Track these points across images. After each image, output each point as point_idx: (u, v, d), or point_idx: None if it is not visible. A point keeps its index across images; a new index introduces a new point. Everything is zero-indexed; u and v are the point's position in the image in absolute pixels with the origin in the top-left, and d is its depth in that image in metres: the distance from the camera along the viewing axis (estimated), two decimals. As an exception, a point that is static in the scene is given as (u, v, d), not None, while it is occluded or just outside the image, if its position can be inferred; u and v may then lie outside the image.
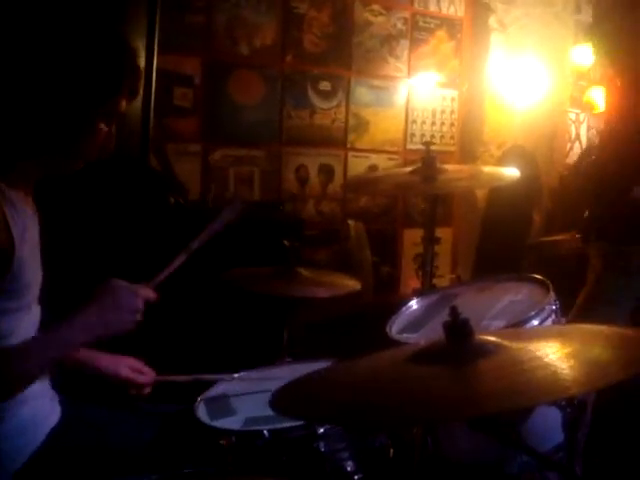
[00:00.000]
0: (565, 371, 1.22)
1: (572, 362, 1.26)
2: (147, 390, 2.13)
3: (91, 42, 1.74)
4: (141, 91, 3.23)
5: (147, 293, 1.85)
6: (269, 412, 1.45)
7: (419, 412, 1.22)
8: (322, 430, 1.80)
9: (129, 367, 2.11)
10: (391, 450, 1.96)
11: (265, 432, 1.80)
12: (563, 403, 1.70)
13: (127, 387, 2.11)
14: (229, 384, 2.19)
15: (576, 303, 3.15)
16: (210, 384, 2.17)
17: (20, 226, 1.73)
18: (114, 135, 1.81)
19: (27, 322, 1.81)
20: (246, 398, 2.07)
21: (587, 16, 5.38)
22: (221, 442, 1.84)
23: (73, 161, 1.81)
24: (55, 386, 2.00)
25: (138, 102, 3.29)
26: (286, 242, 2.51)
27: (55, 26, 1.75)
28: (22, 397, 1.77)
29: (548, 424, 1.79)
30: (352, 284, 2.62)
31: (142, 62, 3.28)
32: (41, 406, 1.90)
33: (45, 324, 1.89)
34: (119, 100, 1.77)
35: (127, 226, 3.08)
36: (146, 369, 2.14)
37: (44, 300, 1.91)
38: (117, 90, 1.75)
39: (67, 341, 1.75)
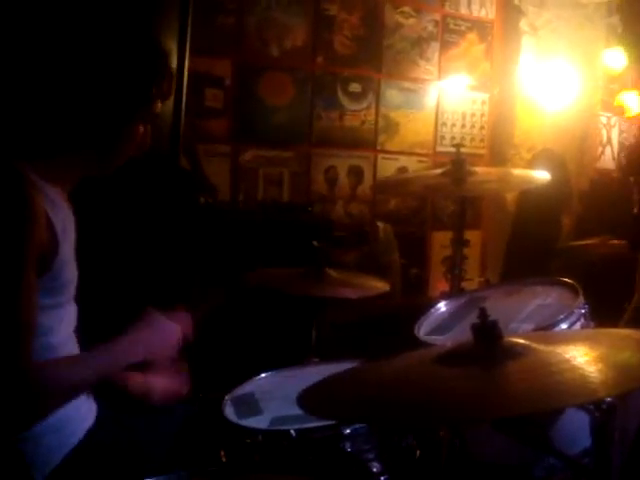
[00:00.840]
0: (593, 374, 1.22)
1: (600, 365, 1.26)
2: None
3: (131, 45, 1.80)
4: (173, 92, 3.29)
5: (186, 330, 1.95)
6: (296, 412, 1.46)
7: (447, 413, 1.22)
8: (348, 430, 1.80)
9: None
10: (417, 451, 1.95)
11: (292, 432, 1.80)
12: (591, 407, 1.69)
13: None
14: (256, 383, 2.21)
15: (628, 308, 3.12)
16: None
17: (60, 224, 1.75)
18: (149, 134, 1.85)
19: (65, 319, 1.84)
20: (273, 398, 2.08)
21: (619, 19, 5.35)
22: (248, 441, 1.85)
23: (111, 160, 1.86)
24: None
25: (169, 103, 3.31)
26: (315, 243, 2.52)
27: (97, 30, 1.81)
28: None
29: (576, 428, 1.77)
30: (381, 285, 2.62)
31: (174, 64, 3.31)
32: (79, 404, 1.92)
33: (80, 322, 1.93)
34: (156, 101, 1.82)
35: (158, 226, 3.10)
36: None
37: (79, 299, 1.94)
38: (155, 91, 1.80)
39: (113, 361, 1.79)
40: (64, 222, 1.79)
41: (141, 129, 1.82)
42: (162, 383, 2.11)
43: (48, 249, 1.70)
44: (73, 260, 1.86)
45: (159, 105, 1.84)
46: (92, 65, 1.75)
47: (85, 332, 2.02)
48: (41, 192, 1.71)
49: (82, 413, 1.91)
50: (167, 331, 1.91)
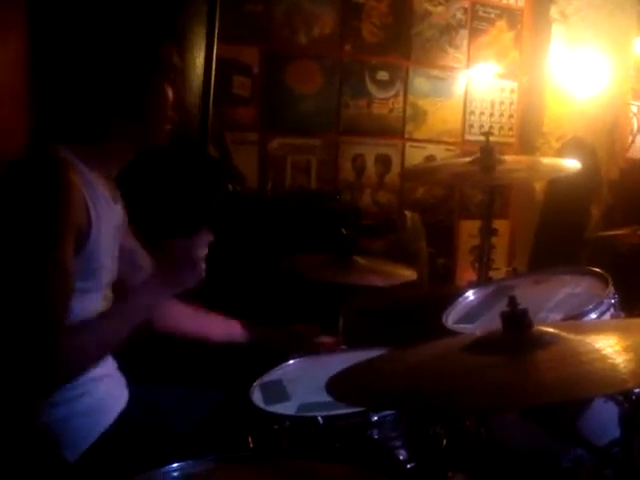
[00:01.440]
0: (623, 364, 1.22)
1: (631, 355, 1.25)
2: None
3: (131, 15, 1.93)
4: (201, 80, 3.30)
5: (203, 239, 1.90)
6: (323, 398, 1.47)
7: (476, 401, 1.22)
8: (376, 418, 1.80)
9: None
10: (444, 439, 1.95)
11: (319, 418, 1.81)
12: (620, 398, 1.69)
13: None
14: (284, 370, 2.22)
15: None
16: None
17: (98, 209, 1.78)
18: (179, 102, 1.94)
19: (98, 305, 1.86)
20: (301, 384, 2.09)
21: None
22: (275, 427, 1.86)
23: (150, 128, 1.90)
24: (122, 368, 2.05)
25: (198, 91, 3.33)
26: (343, 230, 2.52)
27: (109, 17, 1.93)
28: (97, 376, 1.82)
29: (605, 419, 1.77)
30: (408, 274, 2.62)
31: (202, 52, 3.32)
32: (113, 386, 1.95)
33: None
34: (168, 51, 1.90)
35: (186, 214, 3.11)
36: None
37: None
38: (163, 52, 1.89)
39: (139, 306, 1.79)
40: (103, 209, 1.81)
41: (168, 90, 1.88)
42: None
43: (83, 231, 1.73)
44: (110, 247, 1.88)
45: (175, 57, 1.92)
46: (108, 41, 1.83)
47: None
48: (80, 175, 1.74)
49: (114, 398, 1.94)
50: (186, 252, 1.86)
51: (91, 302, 1.82)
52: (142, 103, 1.85)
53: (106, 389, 1.88)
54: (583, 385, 1.19)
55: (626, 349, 1.28)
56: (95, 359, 1.76)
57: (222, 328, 2.33)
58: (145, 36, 1.88)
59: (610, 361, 1.23)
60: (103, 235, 1.80)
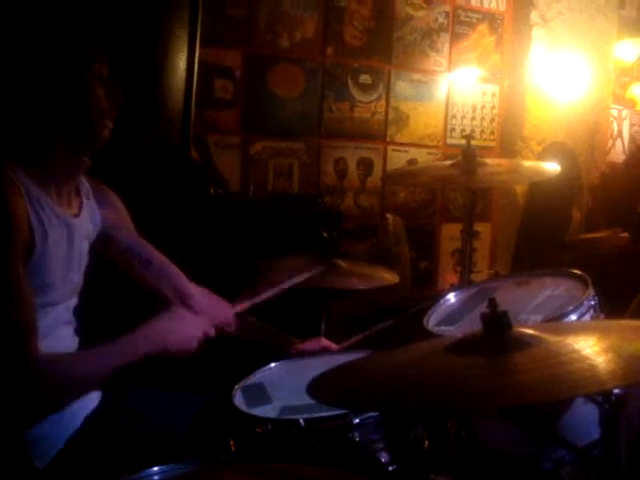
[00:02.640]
0: (602, 365, 1.22)
1: (610, 356, 1.26)
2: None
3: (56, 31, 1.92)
4: (183, 83, 3.29)
5: (208, 329, 1.95)
6: (305, 401, 1.47)
7: (456, 401, 1.22)
8: (357, 420, 1.81)
9: None
10: (426, 442, 1.96)
11: (301, 421, 1.81)
12: (600, 399, 1.69)
13: None
14: (266, 373, 2.21)
15: (634, 302, 3.11)
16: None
17: (45, 226, 1.78)
18: (120, 94, 1.90)
19: (52, 320, 1.84)
20: (283, 387, 2.09)
21: (631, 11, 5.33)
22: (257, 430, 1.86)
23: (89, 133, 1.88)
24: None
25: (180, 94, 3.32)
26: (324, 233, 2.52)
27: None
28: None
29: (585, 420, 1.78)
30: (390, 277, 2.62)
31: (184, 55, 3.31)
32: None
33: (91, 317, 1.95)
34: (92, 54, 1.87)
35: (168, 217, 3.11)
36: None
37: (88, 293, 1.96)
38: (87, 55, 1.86)
39: (128, 352, 1.79)
40: (49, 224, 1.80)
41: (97, 90, 1.86)
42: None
43: (27, 248, 1.72)
44: (63, 262, 1.86)
45: (102, 68, 1.88)
46: (33, 55, 1.82)
47: (95, 326, 2.04)
48: (25, 192, 1.74)
49: (81, 401, 1.92)
50: (188, 324, 1.91)
51: (46, 316, 1.80)
52: (75, 107, 1.84)
53: None
54: (563, 386, 1.19)
55: (605, 350, 1.29)
56: (73, 391, 1.75)
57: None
58: (70, 41, 1.87)
59: (589, 362, 1.24)
60: (52, 251, 1.79)
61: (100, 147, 1.92)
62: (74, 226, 1.90)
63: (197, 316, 1.96)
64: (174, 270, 2.14)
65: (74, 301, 1.95)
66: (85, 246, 1.97)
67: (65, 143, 1.84)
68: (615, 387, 1.47)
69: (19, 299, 1.66)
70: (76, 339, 1.97)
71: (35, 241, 1.74)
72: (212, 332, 1.98)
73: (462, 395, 1.22)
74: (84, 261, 1.96)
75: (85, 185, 2.01)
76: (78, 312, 1.98)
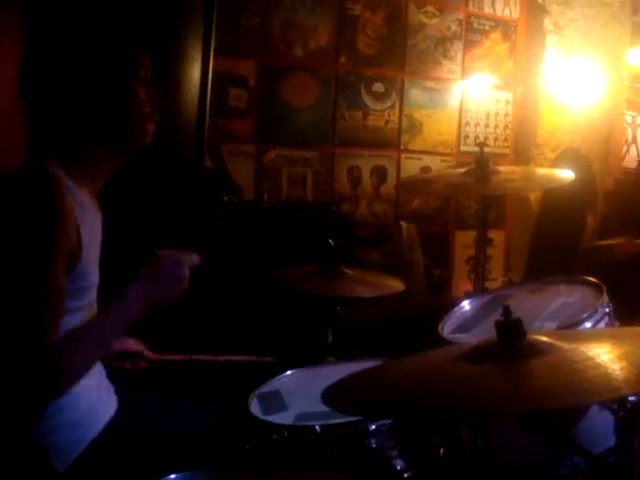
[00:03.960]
0: (617, 372, 1.23)
1: (624, 363, 1.26)
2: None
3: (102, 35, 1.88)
4: (197, 92, 3.31)
5: (192, 259, 1.87)
6: (321, 408, 1.47)
7: (471, 408, 1.23)
8: (373, 427, 1.81)
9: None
10: (441, 449, 1.96)
11: (317, 427, 1.82)
12: (615, 407, 1.70)
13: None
14: (282, 381, 2.22)
15: None
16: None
17: (88, 229, 1.79)
18: (158, 97, 1.91)
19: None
20: (298, 394, 2.10)
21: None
22: (273, 437, 1.87)
23: (130, 134, 1.89)
24: (111, 378, 2.05)
25: (194, 103, 3.34)
26: (331, 241, 2.52)
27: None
28: (79, 390, 1.82)
29: (600, 427, 1.78)
30: (397, 285, 2.61)
31: (199, 64, 3.33)
32: (98, 399, 1.95)
33: None
34: (139, 55, 1.88)
35: (182, 225, 3.12)
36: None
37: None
38: (132, 61, 1.86)
39: (121, 316, 1.77)
40: (91, 227, 1.82)
41: (140, 91, 1.86)
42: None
43: (74, 254, 1.74)
44: (97, 265, 1.88)
45: (146, 72, 1.89)
46: (81, 56, 1.82)
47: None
48: (70, 193, 1.75)
49: (102, 406, 1.94)
50: (171, 265, 1.84)
51: (80, 319, 1.81)
52: (119, 111, 1.84)
53: (88, 403, 1.88)
54: (577, 393, 1.20)
55: (620, 357, 1.29)
56: (79, 368, 1.75)
57: None
58: (115, 45, 1.87)
59: (604, 369, 1.24)
60: (93, 255, 1.81)
61: (141, 150, 1.93)
62: (100, 226, 1.94)
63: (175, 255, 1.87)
64: None
65: (95, 307, 1.96)
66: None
67: (105, 145, 1.86)
68: (629, 394, 1.47)
69: (52, 297, 1.67)
70: None
71: (83, 243, 1.76)
72: (197, 261, 1.91)
73: (476, 402, 1.22)
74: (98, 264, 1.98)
75: None
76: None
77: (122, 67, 1.84)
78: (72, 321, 1.76)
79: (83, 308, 1.84)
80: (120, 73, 1.84)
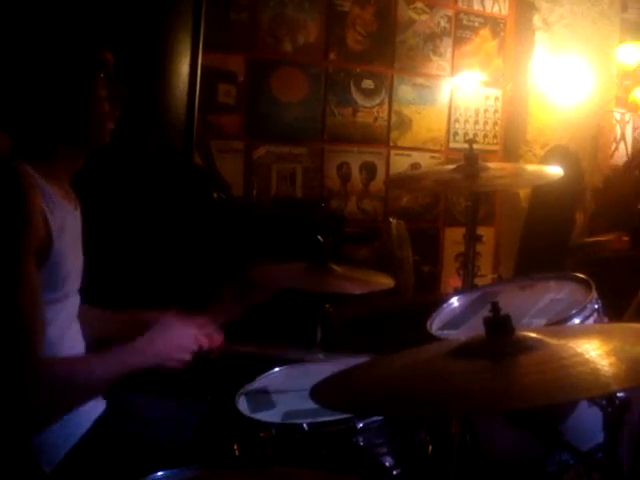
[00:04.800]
0: (605, 368, 1.22)
1: (613, 359, 1.26)
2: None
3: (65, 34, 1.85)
4: (186, 88, 3.30)
5: (202, 340, 1.97)
6: (309, 406, 1.47)
7: (459, 405, 1.22)
8: (361, 425, 1.80)
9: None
10: (430, 446, 1.96)
11: (305, 425, 1.81)
12: (604, 403, 1.69)
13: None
14: (269, 378, 2.21)
15: (632, 303, 3.11)
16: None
17: (58, 221, 1.78)
18: (121, 99, 1.89)
19: (65, 312, 1.87)
20: (286, 392, 2.09)
21: (634, 15, 5.33)
22: (261, 435, 1.86)
23: (88, 136, 1.88)
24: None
25: (183, 99, 3.33)
26: (320, 237, 2.50)
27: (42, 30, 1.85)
28: None
29: (589, 424, 1.78)
30: (386, 281, 2.59)
31: (187, 60, 3.32)
32: None
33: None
34: (97, 58, 1.86)
35: (171, 221, 3.11)
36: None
37: (86, 290, 1.97)
38: (94, 62, 1.84)
39: (124, 363, 1.82)
40: (62, 219, 1.81)
41: (101, 94, 1.84)
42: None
43: (44, 245, 1.73)
44: (76, 253, 1.88)
45: (108, 71, 1.87)
46: (42, 56, 1.80)
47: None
48: (39, 190, 1.74)
49: (90, 404, 1.93)
50: (183, 335, 1.95)
51: (61, 310, 1.83)
52: (78, 113, 1.83)
53: None
54: (566, 389, 1.19)
55: (608, 353, 1.29)
56: (73, 397, 1.76)
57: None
58: (74, 46, 1.84)
59: (592, 365, 1.24)
60: (66, 244, 1.80)
61: (101, 147, 1.92)
62: (77, 218, 1.93)
63: (190, 327, 1.97)
64: None
65: (77, 298, 1.97)
66: (80, 240, 1.98)
67: (67, 143, 1.85)
68: (618, 390, 1.47)
69: (30, 296, 1.66)
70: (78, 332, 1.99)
71: (52, 234, 1.75)
72: (206, 343, 2.00)
73: (465, 399, 1.22)
74: (81, 256, 1.97)
75: None
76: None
77: (83, 68, 1.83)
78: (51, 312, 1.77)
79: (63, 298, 1.84)
80: (79, 75, 1.82)
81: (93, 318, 2.08)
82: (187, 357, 1.93)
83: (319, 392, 1.40)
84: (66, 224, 1.82)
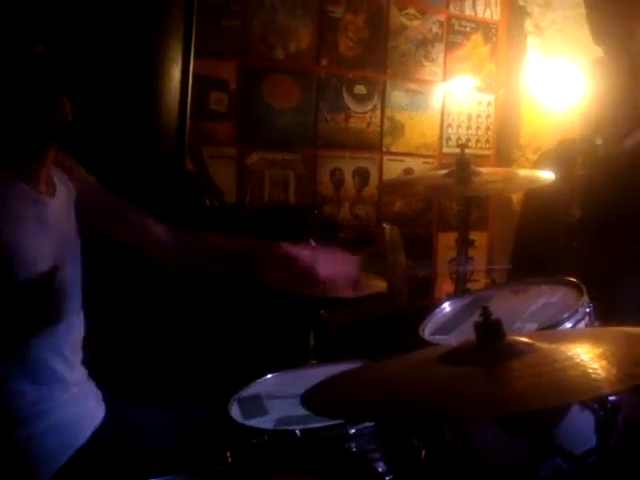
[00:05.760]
0: (597, 371, 1.22)
1: (604, 363, 1.26)
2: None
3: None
4: (177, 96, 3.30)
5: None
6: (301, 412, 1.46)
7: (451, 409, 1.22)
8: (354, 430, 1.81)
9: None
10: (423, 451, 1.95)
11: (297, 431, 1.81)
12: (596, 406, 1.69)
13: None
14: (262, 384, 2.21)
15: None
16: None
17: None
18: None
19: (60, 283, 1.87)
20: (278, 398, 2.09)
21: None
22: (254, 441, 1.86)
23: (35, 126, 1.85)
24: (99, 385, 2.04)
25: (175, 106, 3.32)
26: (313, 243, 2.50)
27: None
28: (61, 395, 1.81)
29: (581, 428, 1.78)
30: (379, 286, 2.60)
31: (179, 67, 3.32)
32: (83, 405, 1.94)
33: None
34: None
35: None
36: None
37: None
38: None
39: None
40: (15, 205, 1.80)
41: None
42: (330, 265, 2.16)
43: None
44: (45, 238, 1.86)
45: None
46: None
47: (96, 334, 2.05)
48: (9, 199, 1.76)
49: (89, 413, 1.92)
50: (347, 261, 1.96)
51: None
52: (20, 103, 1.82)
53: (74, 409, 1.87)
54: (557, 393, 1.19)
55: (599, 356, 1.29)
56: None
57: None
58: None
59: (583, 368, 1.24)
60: (22, 230, 1.79)
61: (61, 135, 1.90)
62: (50, 205, 1.89)
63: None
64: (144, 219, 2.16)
65: (77, 275, 1.96)
66: (67, 225, 1.97)
67: (18, 134, 1.84)
68: (609, 393, 1.47)
69: None
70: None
71: (12, 259, 1.74)
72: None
73: (456, 403, 1.21)
74: (73, 240, 1.97)
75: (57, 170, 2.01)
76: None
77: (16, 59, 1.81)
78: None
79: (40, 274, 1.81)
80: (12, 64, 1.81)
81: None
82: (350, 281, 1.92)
83: (310, 398, 1.40)
84: (20, 210, 1.81)
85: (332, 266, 2.12)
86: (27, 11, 1.97)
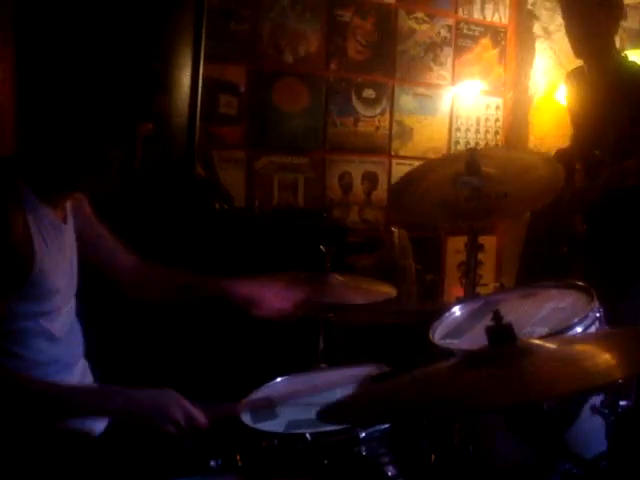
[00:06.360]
0: (604, 361, 1.24)
1: (614, 352, 1.27)
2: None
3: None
4: (187, 99, 3.31)
5: (198, 416, 1.83)
6: (311, 416, 1.46)
7: (465, 404, 1.22)
8: (364, 434, 1.80)
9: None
10: (432, 455, 1.95)
11: (307, 435, 1.80)
12: (607, 411, 1.70)
13: None
14: (272, 388, 2.21)
15: None
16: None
17: (44, 236, 1.82)
18: (138, 157, 1.89)
19: (60, 323, 1.90)
20: (289, 402, 2.08)
21: (634, 22, 5.33)
22: (264, 445, 1.85)
23: (106, 184, 1.88)
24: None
25: (184, 109, 3.33)
26: (322, 247, 2.51)
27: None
28: None
29: (591, 432, 1.78)
30: (388, 291, 2.60)
31: (188, 71, 3.33)
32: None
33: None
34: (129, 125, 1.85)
35: (172, 232, 3.11)
36: None
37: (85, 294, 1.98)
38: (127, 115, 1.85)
39: (87, 401, 1.79)
40: (48, 233, 1.83)
41: (117, 152, 1.83)
42: (270, 295, 2.20)
43: (24, 261, 1.75)
44: (63, 269, 1.90)
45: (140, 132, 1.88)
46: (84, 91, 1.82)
47: (98, 335, 2.06)
48: (26, 208, 1.77)
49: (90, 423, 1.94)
50: (166, 398, 1.82)
51: (55, 320, 1.87)
52: (87, 167, 1.84)
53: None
54: (570, 381, 1.20)
55: (610, 348, 1.30)
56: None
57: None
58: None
59: (594, 360, 1.25)
60: (51, 260, 1.82)
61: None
62: (65, 232, 1.93)
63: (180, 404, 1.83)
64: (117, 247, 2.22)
65: (73, 302, 2.00)
66: (74, 251, 2.00)
67: (77, 177, 1.86)
68: (621, 378, 1.47)
69: None
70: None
71: (35, 250, 1.77)
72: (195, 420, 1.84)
73: (468, 399, 1.22)
74: (75, 268, 2.00)
75: None
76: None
77: (127, 120, 1.84)
78: (45, 323, 1.83)
79: (52, 311, 1.86)
80: (124, 127, 1.83)
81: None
82: (168, 430, 1.78)
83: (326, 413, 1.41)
84: (52, 240, 1.84)
85: (270, 297, 2.18)
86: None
